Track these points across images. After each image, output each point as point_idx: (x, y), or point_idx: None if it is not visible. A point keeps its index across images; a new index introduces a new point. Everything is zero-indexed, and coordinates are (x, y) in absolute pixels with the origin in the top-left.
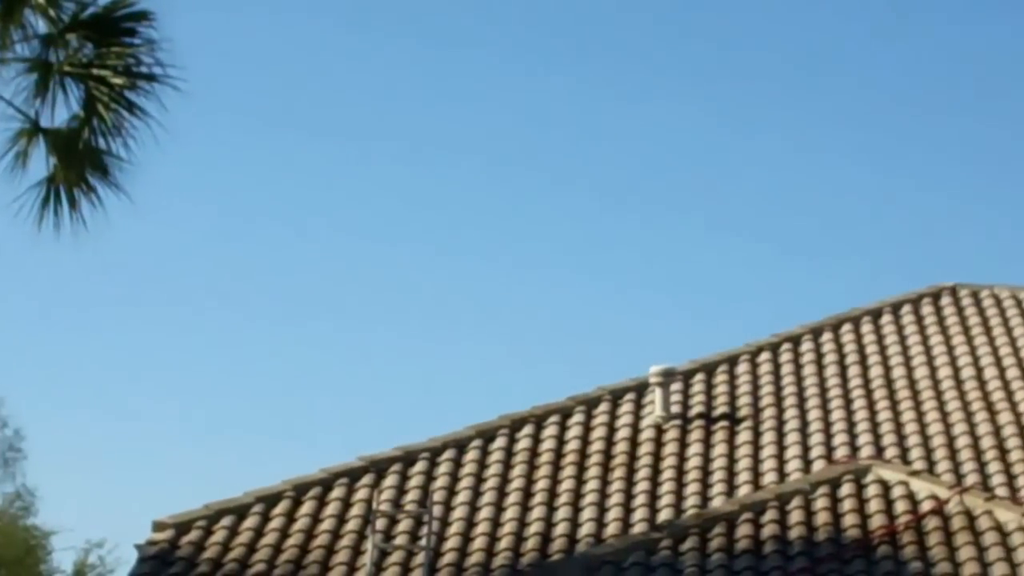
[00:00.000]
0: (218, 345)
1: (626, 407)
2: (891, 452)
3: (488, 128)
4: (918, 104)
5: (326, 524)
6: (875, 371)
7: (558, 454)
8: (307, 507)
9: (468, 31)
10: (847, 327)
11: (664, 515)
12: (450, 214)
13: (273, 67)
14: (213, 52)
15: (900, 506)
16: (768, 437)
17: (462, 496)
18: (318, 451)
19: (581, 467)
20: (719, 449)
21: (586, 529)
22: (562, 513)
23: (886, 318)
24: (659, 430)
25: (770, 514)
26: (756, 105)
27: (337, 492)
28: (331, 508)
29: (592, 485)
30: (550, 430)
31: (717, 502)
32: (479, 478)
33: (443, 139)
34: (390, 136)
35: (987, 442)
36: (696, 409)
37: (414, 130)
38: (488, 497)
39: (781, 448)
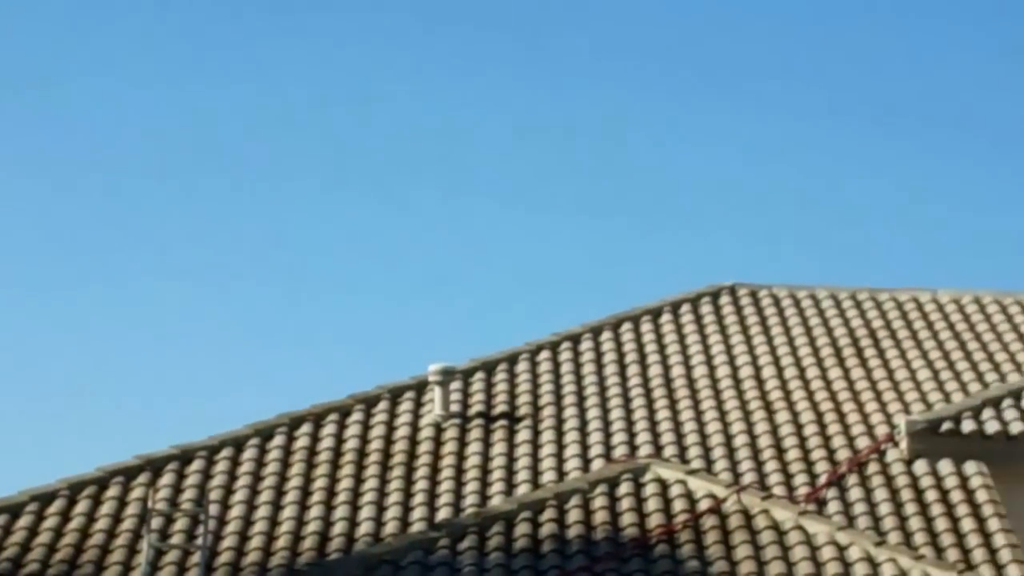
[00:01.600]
0: None
1: (406, 406)
2: (670, 451)
3: None
4: (704, 107)
5: (101, 523)
6: (654, 370)
7: (337, 453)
8: (82, 506)
9: None
10: (627, 326)
11: (443, 514)
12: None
13: None
14: None
15: (678, 505)
16: (547, 436)
17: (239, 495)
18: (94, 450)
19: (360, 466)
20: (498, 448)
21: (364, 528)
22: (340, 512)
23: (666, 317)
24: (438, 429)
25: (549, 513)
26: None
27: (113, 491)
28: (107, 507)
29: (371, 484)
30: (329, 428)
31: (496, 501)
32: (257, 477)
33: None
34: None
35: (764, 441)
36: (476, 408)
37: None
38: (266, 496)
39: (560, 447)
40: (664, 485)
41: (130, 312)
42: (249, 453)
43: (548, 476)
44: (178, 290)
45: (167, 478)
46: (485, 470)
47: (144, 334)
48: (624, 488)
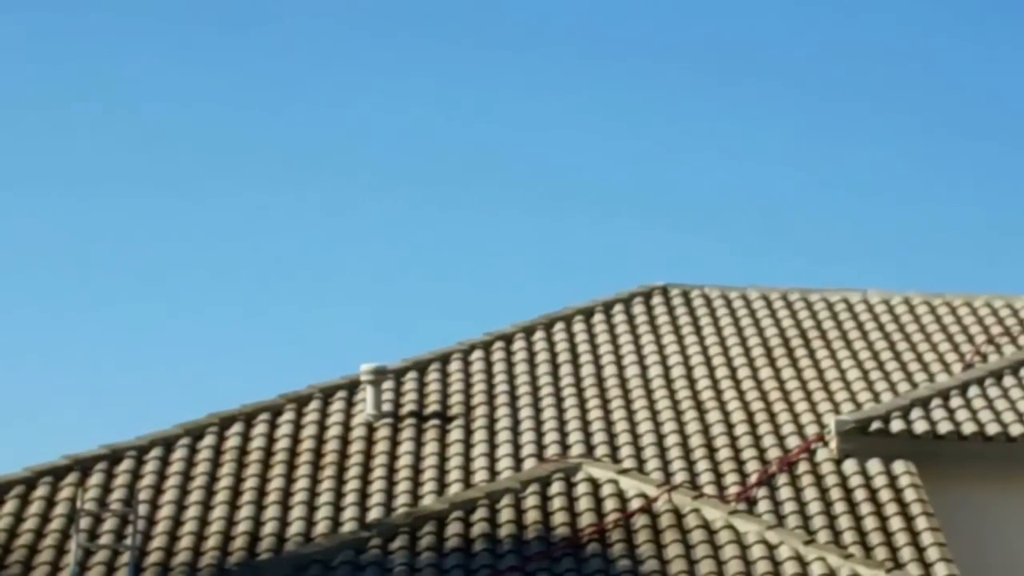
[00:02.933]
0: None
1: (337, 405)
2: (601, 451)
3: None
4: (649, 95)
5: (29, 523)
6: (587, 370)
7: (268, 452)
8: (10, 506)
9: None
10: (559, 326)
11: (374, 514)
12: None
13: None
14: None
15: (609, 504)
16: (479, 436)
17: (169, 495)
18: (22, 449)
19: (291, 465)
20: (430, 448)
21: (295, 528)
22: (271, 512)
23: (598, 317)
24: (370, 428)
25: (480, 512)
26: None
27: (41, 491)
28: (34, 507)
29: (302, 484)
30: (260, 428)
31: (428, 501)
32: (187, 477)
33: None
34: None
35: (696, 441)
36: (408, 407)
37: None
38: (196, 496)
39: (492, 447)
40: (596, 484)
41: (58, 308)
42: (179, 453)
43: (480, 476)
44: (104, 286)
45: (96, 478)
46: (417, 470)
47: (71, 332)
48: (556, 487)
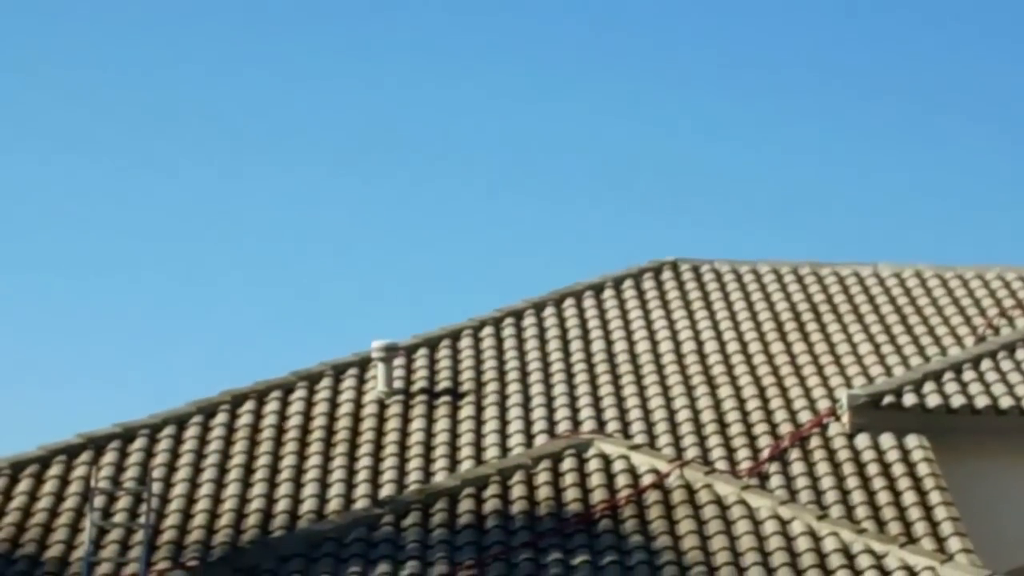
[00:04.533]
0: None
1: (348, 382)
2: (613, 426)
3: None
4: (642, 81)
5: (43, 502)
6: (597, 346)
7: (280, 430)
8: (24, 485)
9: None
10: (569, 302)
11: (386, 490)
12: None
13: None
14: None
15: (621, 480)
16: (491, 412)
17: (182, 473)
18: (35, 428)
19: (303, 443)
20: (441, 424)
21: (308, 505)
22: (284, 489)
23: (608, 293)
24: (382, 405)
25: (492, 489)
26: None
27: (55, 470)
28: (49, 486)
29: (314, 461)
30: (272, 406)
31: (439, 477)
32: (199, 454)
33: None
34: None
35: (707, 416)
36: (419, 384)
37: None
38: (209, 474)
39: (503, 423)
40: (607, 460)
41: (71, 288)
42: (191, 431)
43: (491, 452)
44: (117, 264)
45: (109, 456)
46: (428, 446)
47: (84, 310)
48: (567, 464)
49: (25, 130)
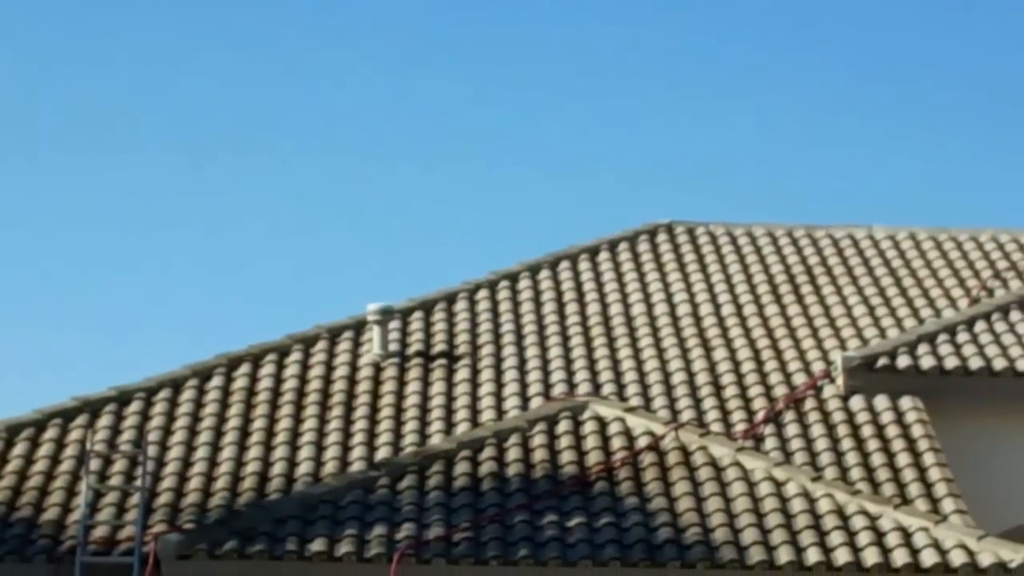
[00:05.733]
0: None
1: (344, 345)
2: (608, 389)
3: None
4: (631, 47)
5: (39, 465)
6: (592, 308)
7: (275, 393)
8: (20, 448)
9: None
10: (564, 265)
11: (382, 453)
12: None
13: None
14: None
15: (616, 442)
16: (486, 375)
17: (178, 436)
18: (31, 392)
19: (299, 406)
20: (437, 387)
21: (304, 468)
22: (280, 452)
23: (603, 255)
24: (377, 368)
25: (488, 451)
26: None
27: (51, 433)
28: (44, 449)
29: (310, 424)
30: (267, 369)
31: (435, 440)
32: (195, 418)
33: None
34: None
35: (702, 378)
36: (414, 347)
37: None
38: (204, 437)
39: (499, 386)
40: (603, 423)
41: (66, 252)
42: (187, 394)
43: (487, 415)
44: (111, 230)
45: (105, 420)
46: (424, 409)
47: (80, 274)
48: (563, 426)
49: None
